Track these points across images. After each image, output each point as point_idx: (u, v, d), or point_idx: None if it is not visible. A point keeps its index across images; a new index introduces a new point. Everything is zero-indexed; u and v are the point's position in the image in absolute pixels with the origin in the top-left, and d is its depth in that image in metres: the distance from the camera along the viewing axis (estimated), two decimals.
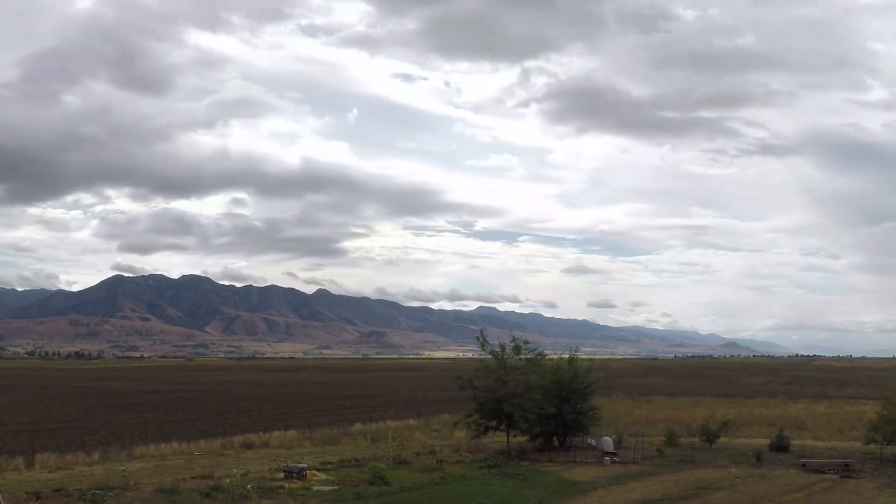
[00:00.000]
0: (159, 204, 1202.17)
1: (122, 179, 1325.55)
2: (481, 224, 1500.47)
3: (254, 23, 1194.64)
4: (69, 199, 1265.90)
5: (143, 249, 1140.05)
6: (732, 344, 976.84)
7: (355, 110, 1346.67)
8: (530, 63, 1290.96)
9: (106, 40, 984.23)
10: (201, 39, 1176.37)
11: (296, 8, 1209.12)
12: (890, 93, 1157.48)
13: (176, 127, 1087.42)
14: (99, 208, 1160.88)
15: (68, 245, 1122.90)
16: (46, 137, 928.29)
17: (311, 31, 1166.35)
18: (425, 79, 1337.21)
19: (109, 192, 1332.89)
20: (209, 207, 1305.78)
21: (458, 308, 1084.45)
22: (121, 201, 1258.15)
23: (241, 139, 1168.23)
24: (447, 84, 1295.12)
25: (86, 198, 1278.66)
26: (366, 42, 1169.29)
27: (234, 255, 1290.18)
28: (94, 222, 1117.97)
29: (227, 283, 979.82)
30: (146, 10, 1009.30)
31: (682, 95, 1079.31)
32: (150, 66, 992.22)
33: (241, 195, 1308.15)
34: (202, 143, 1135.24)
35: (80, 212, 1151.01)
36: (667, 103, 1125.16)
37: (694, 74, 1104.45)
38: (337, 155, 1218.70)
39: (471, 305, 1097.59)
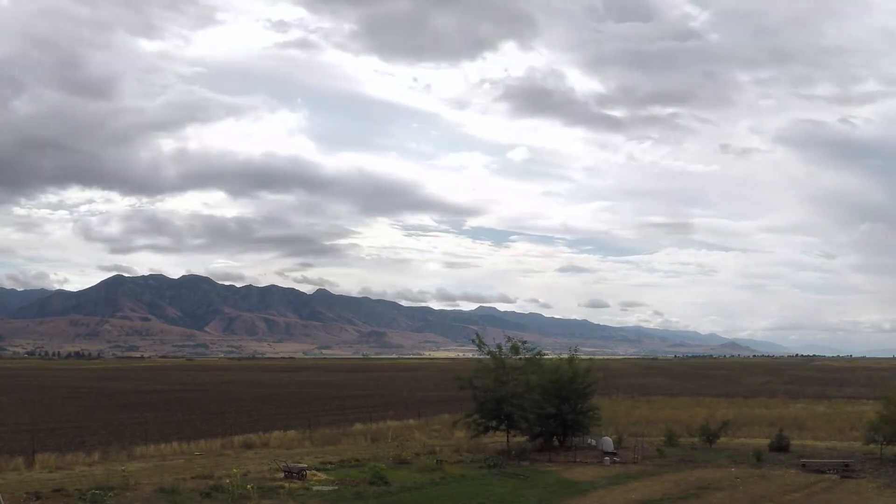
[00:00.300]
0: (136, 204, 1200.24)
1: (92, 181, 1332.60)
2: (470, 223, 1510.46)
3: (187, 31, 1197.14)
4: (52, 199, 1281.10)
5: (128, 249, 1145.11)
6: (732, 344, 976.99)
7: (309, 109, 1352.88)
8: (484, 59, 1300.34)
9: (46, 50, 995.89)
10: (140, 45, 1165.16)
11: (227, 13, 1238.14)
12: (841, 87, 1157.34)
13: (135, 129, 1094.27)
14: (83, 208, 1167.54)
15: (51, 245, 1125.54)
16: (9, 140, 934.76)
17: (244, 34, 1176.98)
18: (391, 74, 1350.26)
19: (83, 193, 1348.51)
20: (188, 207, 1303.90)
21: (457, 308, 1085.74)
22: (98, 202, 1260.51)
23: (207, 139, 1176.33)
24: (414, 79, 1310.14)
25: (67, 198, 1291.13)
26: (305, 44, 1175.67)
27: (218, 255, 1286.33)
28: (74, 224, 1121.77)
29: (227, 283, 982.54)
30: (79, 19, 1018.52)
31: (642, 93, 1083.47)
32: (94, 72, 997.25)
33: (219, 195, 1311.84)
34: (163, 145, 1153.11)
35: (66, 212, 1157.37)
36: (626, 100, 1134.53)
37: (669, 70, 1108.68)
38: (309, 152, 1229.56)
39: (466, 305, 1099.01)
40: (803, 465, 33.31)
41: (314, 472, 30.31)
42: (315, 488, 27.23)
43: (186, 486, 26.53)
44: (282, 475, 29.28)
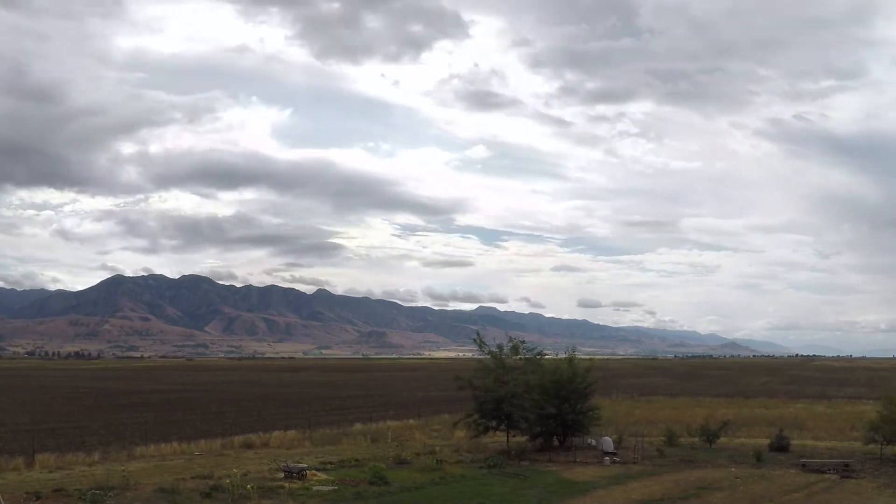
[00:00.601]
0: (121, 204, 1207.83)
1: (66, 183, 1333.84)
2: (459, 221, 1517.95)
3: (131, 37, 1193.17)
4: (37, 199, 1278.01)
5: (116, 249, 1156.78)
6: (732, 344, 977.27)
7: (287, 107, 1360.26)
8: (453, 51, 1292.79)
9: None
10: (95, 48, 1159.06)
11: (172, 21, 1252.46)
12: (789, 83, 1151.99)
13: (101, 131, 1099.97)
14: (68, 208, 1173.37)
15: (38, 244, 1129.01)
16: None
17: (191, 35, 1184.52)
18: (358, 71, 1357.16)
19: (59, 195, 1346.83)
20: (177, 207, 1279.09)
21: (457, 308, 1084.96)
22: (83, 202, 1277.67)
23: (190, 140, 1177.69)
24: (383, 75, 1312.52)
25: (50, 199, 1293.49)
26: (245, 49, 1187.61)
27: (207, 254, 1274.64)
28: (59, 224, 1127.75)
29: (227, 283, 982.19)
30: (23, 29, 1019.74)
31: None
32: (45, 78, 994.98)
33: (204, 195, 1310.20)
34: (144, 147, 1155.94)
35: (52, 212, 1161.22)
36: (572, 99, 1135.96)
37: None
38: (292, 152, 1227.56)
39: (466, 305, 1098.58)
40: (803, 465, 33.31)
41: (314, 472, 30.31)
42: (315, 488, 27.22)
43: (186, 486, 26.53)
44: (282, 475, 29.28)
